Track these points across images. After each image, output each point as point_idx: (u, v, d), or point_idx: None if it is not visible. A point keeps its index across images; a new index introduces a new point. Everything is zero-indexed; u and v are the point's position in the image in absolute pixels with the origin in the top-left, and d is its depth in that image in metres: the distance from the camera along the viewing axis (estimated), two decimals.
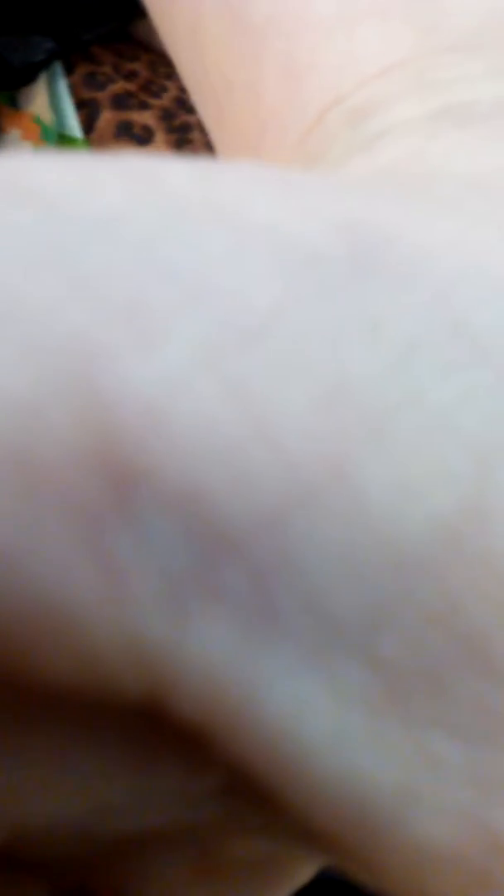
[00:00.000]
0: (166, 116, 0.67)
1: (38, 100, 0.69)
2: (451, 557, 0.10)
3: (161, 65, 0.70)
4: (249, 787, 0.11)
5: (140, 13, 0.69)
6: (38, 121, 0.69)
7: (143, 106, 0.67)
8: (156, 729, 0.11)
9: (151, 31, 0.73)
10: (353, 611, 0.10)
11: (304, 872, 0.15)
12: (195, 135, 0.67)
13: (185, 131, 0.67)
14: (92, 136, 0.67)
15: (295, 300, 0.10)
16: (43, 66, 0.71)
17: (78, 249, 0.10)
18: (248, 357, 0.10)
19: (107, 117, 0.67)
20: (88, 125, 0.68)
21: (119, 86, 0.68)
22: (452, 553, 0.10)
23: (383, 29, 0.21)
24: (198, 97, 0.26)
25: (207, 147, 0.66)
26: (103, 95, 0.67)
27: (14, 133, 0.69)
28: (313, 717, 0.10)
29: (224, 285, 0.10)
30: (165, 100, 0.68)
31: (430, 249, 0.11)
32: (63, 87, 0.70)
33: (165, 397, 0.10)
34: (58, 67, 0.70)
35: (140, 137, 0.67)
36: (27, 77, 0.69)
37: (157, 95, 0.68)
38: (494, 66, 0.19)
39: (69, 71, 0.70)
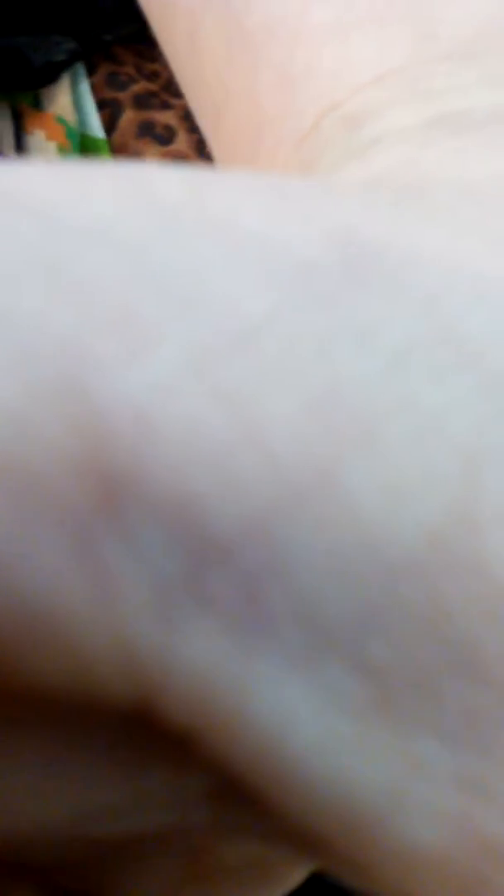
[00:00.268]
0: (188, 116, 0.67)
1: (60, 100, 0.69)
2: (441, 562, 0.10)
3: None
4: (238, 790, 0.11)
5: None
6: (61, 121, 0.69)
7: (165, 105, 0.67)
8: (145, 733, 0.11)
9: None
10: (343, 616, 0.10)
11: (297, 875, 0.15)
12: None
13: None
14: (114, 135, 0.68)
15: (286, 307, 0.11)
16: (65, 66, 0.71)
17: (69, 258, 0.10)
18: (238, 363, 0.10)
19: (129, 117, 0.67)
20: (110, 125, 0.68)
21: (141, 86, 0.68)
22: (442, 558, 0.10)
23: (379, 36, 0.21)
24: (195, 104, 0.26)
25: None
26: (125, 95, 0.68)
27: (38, 134, 0.69)
28: (302, 722, 0.10)
29: (215, 293, 0.10)
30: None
31: (419, 257, 0.11)
32: (86, 87, 0.70)
33: (156, 403, 0.10)
34: (80, 68, 0.70)
35: (162, 137, 0.67)
36: (48, 77, 0.69)
37: (178, 95, 0.68)
38: (489, 75, 0.19)
39: (91, 71, 0.70)
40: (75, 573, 0.10)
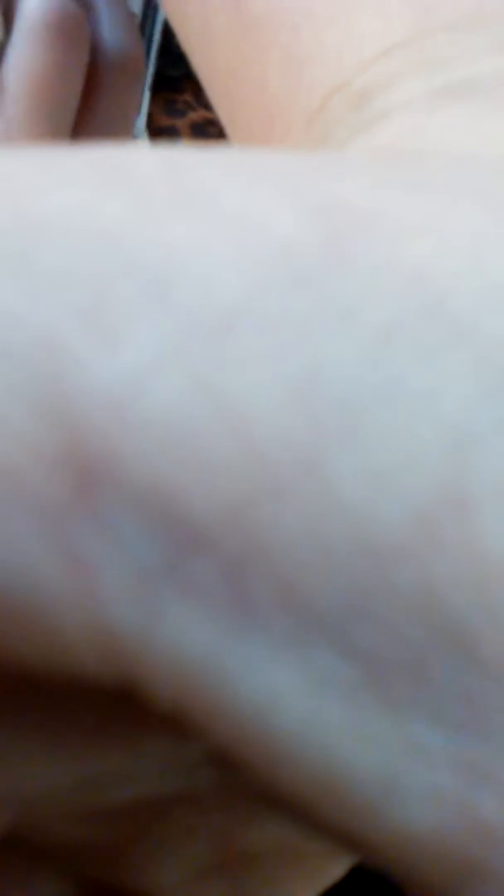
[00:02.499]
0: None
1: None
2: (430, 547, 0.10)
3: None
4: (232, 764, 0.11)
5: None
6: None
7: (223, 135, 0.68)
8: (136, 707, 0.11)
9: None
10: (329, 601, 0.10)
11: (335, 869, 0.15)
12: None
13: None
14: None
15: (265, 290, 0.10)
16: None
17: (40, 246, 0.10)
18: (215, 350, 0.10)
19: (186, 145, 0.68)
20: None
21: (198, 114, 0.68)
22: (431, 541, 0.10)
23: (382, 11, 0.21)
24: (212, 95, 0.26)
25: None
26: (182, 123, 0.68)
27: None
28: (289, 705, 0.10)
29: (189, 277, 0.10)
30: None
31: (408, 228, 0.11)
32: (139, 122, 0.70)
33: (130, 393, 0.10)
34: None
35: None
36: None
37: None
38: (495, 41, 0.18)
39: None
40: (51, 563, 0.10)
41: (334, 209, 0.11)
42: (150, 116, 0.69)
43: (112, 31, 0.49)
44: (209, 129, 0.68)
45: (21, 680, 0.11)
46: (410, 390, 0.10)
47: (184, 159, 0.11)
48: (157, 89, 0.69)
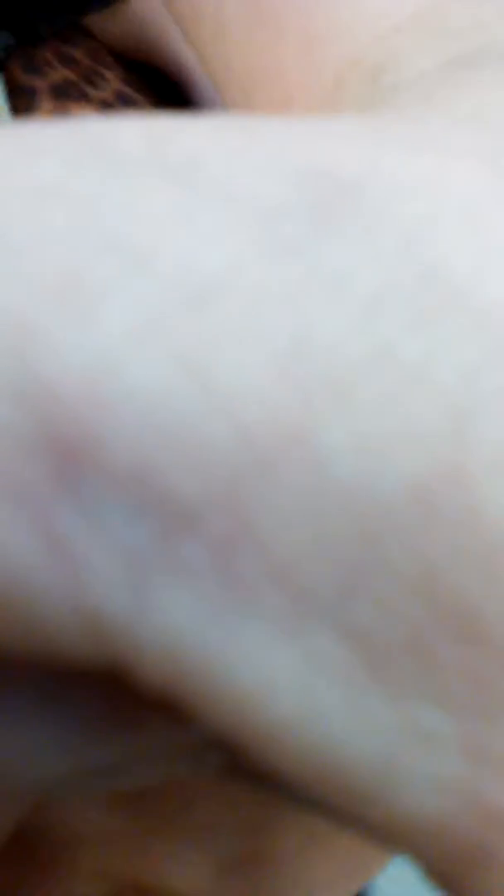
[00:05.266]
0: (105, 109, 0.66)
1: None
2: (427, 521, 0.10)
3: (103, 54, 0.69)
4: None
5: (97, 7, 0.68)
6: None
7: (84, 96, 0.67)
8: (132, 692, 0.10)
9: (104, 23, 0.72)
10: (323, 580, 0.10)
11: (372, 866, 0.15)
12: None
13: None
14: None
15: (249, 259, 0.10)
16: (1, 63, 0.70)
17: (13, 222, 0.10)
18: (196, 323, 0.10)
19: (47, 108, 0.66)
20: (27, 115, 0.67)
21: (59, 74, 0.67)
22: (428, 516, 0.10)
23: None
24: (224, 92, 0.26)
25: None
26: (43, 84, 0.67)
27: None
28: (284, 688, 0.10)
29: (169, 249, 0.10)
30: (107, 92, 0.67)
31: (402, 190, 0.11)
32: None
33: (105, 371, 0.09)
34: None
35: None
36: None
37: (98, 88, 0.67)
38: None
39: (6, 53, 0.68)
40: (34, 548, 0.09)
41: (325, 173, 0.11)
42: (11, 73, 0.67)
43: None
44: (70, 91, 0.67)
45: (14, 666, 0.11)
46: (403, 359, 0.10)
47: (167, 129, 0.11)
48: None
